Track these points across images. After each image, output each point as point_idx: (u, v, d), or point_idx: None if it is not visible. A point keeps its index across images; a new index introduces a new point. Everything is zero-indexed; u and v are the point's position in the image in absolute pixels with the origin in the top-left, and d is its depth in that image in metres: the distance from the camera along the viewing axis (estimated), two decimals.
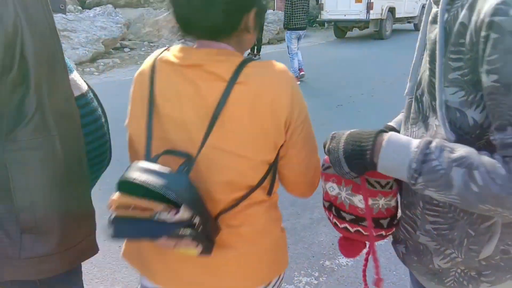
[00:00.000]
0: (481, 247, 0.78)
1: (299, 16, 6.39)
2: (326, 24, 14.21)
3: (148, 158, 0.84)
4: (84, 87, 1.02)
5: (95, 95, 1.08)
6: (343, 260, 2.25)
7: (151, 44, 11.33)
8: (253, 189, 0.89)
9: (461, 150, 0.69)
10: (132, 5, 12.28)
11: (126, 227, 0.76)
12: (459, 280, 0.83)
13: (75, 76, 1.00)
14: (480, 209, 0.68)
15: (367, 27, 12.01)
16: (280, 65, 0.88)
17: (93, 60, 8.94)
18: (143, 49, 10.94)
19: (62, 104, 0.90)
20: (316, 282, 2.09)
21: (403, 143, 0.73)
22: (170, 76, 0.87)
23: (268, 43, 11.84)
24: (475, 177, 0.65)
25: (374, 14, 11.23)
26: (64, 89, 0.91)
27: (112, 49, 10.26)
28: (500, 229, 0.77)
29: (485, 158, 0.67)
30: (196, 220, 0.76)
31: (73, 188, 0.94)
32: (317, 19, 12.61)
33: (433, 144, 0.70)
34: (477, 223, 0.77)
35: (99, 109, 1.07)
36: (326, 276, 2.14)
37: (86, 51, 8.66)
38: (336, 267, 2.19)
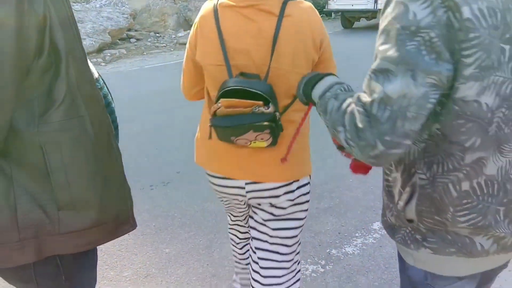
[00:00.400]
0: (404, 205, 0.87)
1: None
2: (333, 15, 14.06)
3: (230, 76, 1.13)
4: (96, 72, 1.05)
5: (103, 81, 1.10)
6: (350, 249, 2.27)
7: (157, 34, 11.31)
8: (295, 97, 1.18)
9: (349, 91, 0.88)
10: None
11: (231, 119, 1.07)
12: (405, 238, 0.91)
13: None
14: (336, 134, 0.82)
15: (375, 17, 11.85)
16: (308, 3, 1.17)
17: (99, 50, 8.97)
18: (149, 39, 10.92)
19: (87, 87, 0.93)
20: (322, 270, 2.11)
21: (329, 81, 0.95)
22: (231, 16, 1.13)
23: None
24: (334, 106, 0.82)
25: (382, 4, 11.03)
26: (86, 72, 0.94)
27: (119, 39, 10.27)
28: (417, 190, 0.84)
29: (349, 98, 0.80)
30: (277, 114, 1.08)
31: (106, 165, 0.98)
32: (323, 9, 12.48)
33: (338, 85, 0.91)
34: (405, 182, 0.87)
35: (109, 94, 1.10)
36: (332, 264, 2.16)
37: (93, 41, 8.68)
38: (343, 256, 2.21)
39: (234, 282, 1.71)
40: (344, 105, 0.78)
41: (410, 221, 0.88)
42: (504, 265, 0.97)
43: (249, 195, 1.27)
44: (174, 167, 3.43)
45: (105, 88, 1.08)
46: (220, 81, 1.13)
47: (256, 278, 1.37)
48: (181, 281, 2.07)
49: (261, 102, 1.05)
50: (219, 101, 1.08)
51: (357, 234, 2.41)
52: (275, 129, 1.09)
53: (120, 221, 1.02)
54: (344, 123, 0.76)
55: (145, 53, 9.59)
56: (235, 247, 1.62)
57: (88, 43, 8.45)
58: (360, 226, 2.48)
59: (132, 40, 10.69)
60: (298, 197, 1.28)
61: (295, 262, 1.38)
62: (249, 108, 1.05)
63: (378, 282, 2.00)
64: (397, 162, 0.88)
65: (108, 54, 8.94)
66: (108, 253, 2.27)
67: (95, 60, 8.19)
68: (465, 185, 0.79)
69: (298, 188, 1.27)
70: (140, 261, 2.23)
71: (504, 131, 0.76)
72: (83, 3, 10.40)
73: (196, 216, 2.67)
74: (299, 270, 1.42)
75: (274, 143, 1.14)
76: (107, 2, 10.66)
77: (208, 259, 2.23)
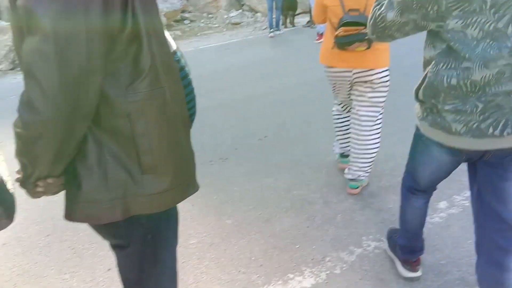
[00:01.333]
0: (418, 89, 1.39)
1: None
2: None
3: (345, 13, 2.19)
4: (174, 45, 1.08)
5: (181, 53, 1.14)
6: None
7: (210, 15, 11.43)
8: None
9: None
10: None
11: (346, 38, 2.18)
12: (418, 113, 1.46)
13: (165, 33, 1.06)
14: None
15: None
16: None
17: None
18: (202, 21, 11.07)
19: (166, 58, 0.97)
20: (385, 247, 2.08)
21: None
22: None
23: None
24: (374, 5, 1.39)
25: None
26: (165, 44, 0.98)
27: (174, 21, 10.50)
28: (426, 79, 1.32)
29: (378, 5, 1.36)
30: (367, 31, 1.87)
31: (180, 134, 1.04)
32: None
33: None
34: (424, 74, 1.35)
35: (187, 66, 1.13)
36: None
37: None
38: None
39: (334, 147, 2.96)
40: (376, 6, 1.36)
41: (421, 101, 1.40)
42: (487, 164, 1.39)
43: (354, 76, 2.35)
44: (232, 144, 3.51)
45: (183, 60, 1.11)
46: (337, 15, 2.24)
47: (356, 127, 2.49)
48: (244, 250, 2.14)
49: (361, 27, 2.12)
50: (340, 28, 2.18)
51: None
52: (369, 41, 2.17)
53: (188, 183, 1.09)
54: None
55: (198, 34, 9.75)
56: (338, 119, 2.76)
57: None
58: None
59: (186, 21, 10.89)
60: (383, 77, 2.33)
61: (380, 114, 2.46)
62: (355, 31, 2.15)
63: (445, 260, 1.94)
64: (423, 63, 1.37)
65: None
66: None
67: None
68: (454, 81, 1.24)
69: (382, 71, 2.32)
70: (205, 230, 2.33)
71: (490, 53, 1.15)
72: None
73: (255, 191, 2.73)
74: (381, 121, 2.48)
75: (368, 47, 2.22)
76: None
77: (269, 232, 2.28)
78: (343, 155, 2.86)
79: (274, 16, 8.90)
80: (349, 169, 2.59)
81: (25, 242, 2.33)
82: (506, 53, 1.13)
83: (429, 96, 1.31)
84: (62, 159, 0.92)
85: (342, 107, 2.70)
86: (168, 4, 9.99)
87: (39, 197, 1.02)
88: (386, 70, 2.33)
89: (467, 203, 2.38)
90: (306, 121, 3.87)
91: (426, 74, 1.31)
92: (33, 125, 0.84)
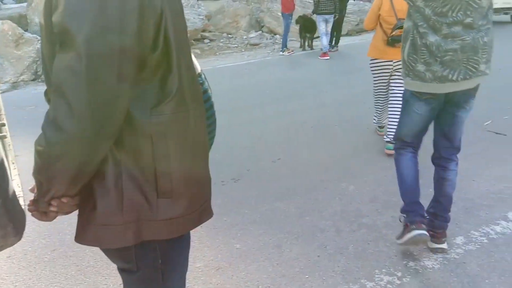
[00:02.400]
0: (403, 52, 2.04)
1: (325, 3, 8.30)
2: None
3: (398, 20, 3.21)
4: (199, 67, 1.07)
5: (204, 76, 1.12)
6: (429, 262, 2.11)
7: (229, 35, 11.60)
8: None
9: None
10: None
11: (398, 37, 3.10)
12: (403, 73, 2.10)
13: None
14: None
15: None
16: None
17: None
18: (221, 40, 11.23)
19: (192, 81, 0.96)
20: (399, 282, 1.99)
21: None
22: None
23: (347, 34, 11.50)
24: None
25: None
26: (192, 67, 0.96)
27: (193, 40, 10.69)
28: (410, 42, 1.98)
29: None
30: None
31: (199, 159, 1.01)
32: None
33: None
34: (406, 40, 2.03)
35: (210, 89, 1.11)
36: (409, 277, 2.02)
37: None
38: (421, 269, 2.07)
39: (374, 121, 3.99)
40: None
41: (404, 61, 2.00)
42: (456, 103, 2.03)
43: (395, 64, 3.35)
44: (244, 165, 3.47)
45: (206, 83, 1.10)
46: (390, 22, 3.26)
47: (393, 107, 3.44)
48: (251, 278, 2.07)
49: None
50: (397, 30, 3.12)
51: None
52: None
53: (203, 209, 1.04)
54: None
55: (217, 54, 9.88)
56: (379, 104, 3.78)
57: None
58: None
59: (206, 40, 11.06)
60: None
61: None
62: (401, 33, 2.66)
63: None
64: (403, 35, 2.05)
65: None
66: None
67: None
68: (420, 41, 1.91)
69: None
70: (212, 254, 2.28)
71: (436, 25, 1.87)
72: None
73: (266, 214, 2.67)
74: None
75: None
76: (184, 3, 11.13)
77: (278, 259, 2.22)
78: (380, 126, 3.95)
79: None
80: (387, 135, 3.53)
81: (30, 256, 2.31)
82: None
83: (411, 54, 1.95)
84: (81, 179, 0.89)
85: (379, 91, 3.67)
86: (190, 23, 10.18)
87: (51, 219, 0.97)
88: None
89: (486, 240, 2.28)
90: (321, 146, 3.82)
91: (409, 39, 1.95)
92: (57, 144, 0.81)
